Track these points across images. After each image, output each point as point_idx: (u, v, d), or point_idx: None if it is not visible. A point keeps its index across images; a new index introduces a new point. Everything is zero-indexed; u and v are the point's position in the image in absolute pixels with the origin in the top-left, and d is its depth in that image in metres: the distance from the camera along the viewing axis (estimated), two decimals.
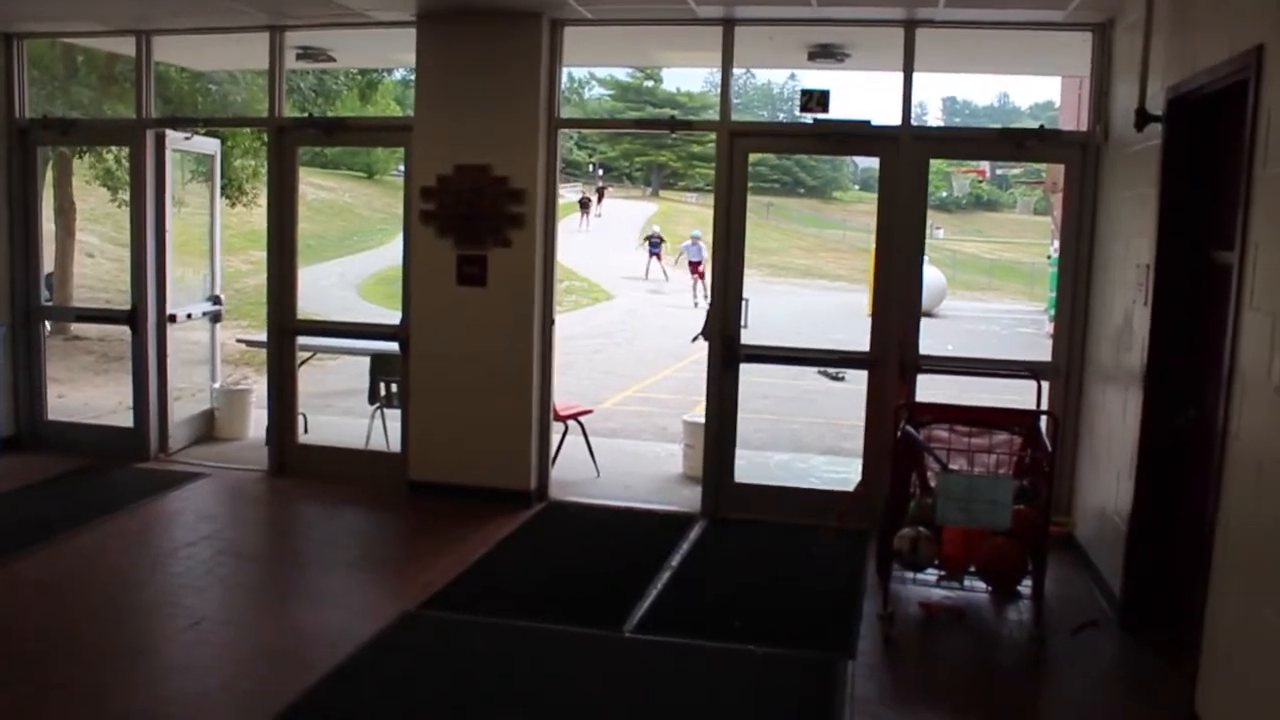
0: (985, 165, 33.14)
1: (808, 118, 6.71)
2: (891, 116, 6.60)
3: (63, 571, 5.71)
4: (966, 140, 6.89)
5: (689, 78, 55.47)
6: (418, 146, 7.05)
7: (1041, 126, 6.36)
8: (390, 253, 18.68)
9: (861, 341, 6.91)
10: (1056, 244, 6.66)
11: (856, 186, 57.06)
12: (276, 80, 7.48)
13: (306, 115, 8.49)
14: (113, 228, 19.46)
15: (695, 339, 13.72)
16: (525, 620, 5.16)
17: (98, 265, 19.67)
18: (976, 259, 39.65)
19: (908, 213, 6.67)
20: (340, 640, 4.81)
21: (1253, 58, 3.88)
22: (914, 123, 6.65)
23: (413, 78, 7.28)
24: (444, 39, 6.93)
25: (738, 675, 4.67)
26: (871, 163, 7.27)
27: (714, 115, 6.98)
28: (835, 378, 13.11)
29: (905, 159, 6.57)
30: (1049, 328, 8.17)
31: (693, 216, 37.46)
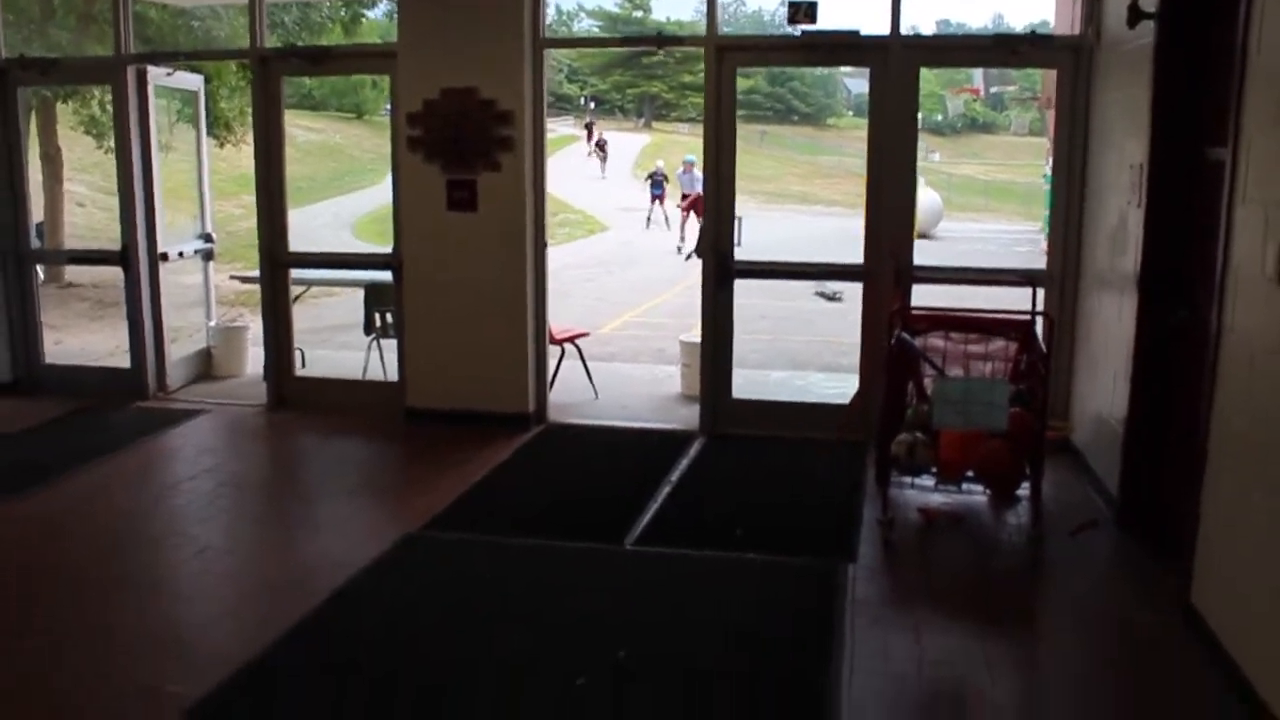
0: (979, 84, 32.78)
1: (796, 29, 6.62)
2: (881, 29, 6.52)
3: (65, 509, 5.75)
4: (958, 48, 6.77)
5: (679, 5, 54.63)
6: (403, 72, 6.96)
7: (1033, 32, 6.28)
8: (383, 192, 18.68)
9: (856, 257, 6.88)
10: (1051, 162, 6.57)
11: (850, 112, 56.47)
12: (257, 11, 7.36)
13: (290, 45, 8.32)
14: (101, 176, 19.30)
15: (689, 257, 13.68)
16: (525, 538, 5.20)
17: (89, 214, 19.57)
18: (972, 181, 39.42)
19: (899, 124, 6.61)
20: (342, 565, 4.84)
21: None
22: (904, 33, 6.56)
23: (395, 13, 7.17)
24: None
25: (739, 583, 4.72)
26: (864, 87, 7.17)
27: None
28: (832, 298, 13.11)
29: (895, 69, 6.50)
30: (1044, 245, 8.11)
31: (685, 147, 37.10)
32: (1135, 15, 4.94)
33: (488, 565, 4.91)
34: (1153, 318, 5.05)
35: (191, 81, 8.56)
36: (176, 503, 5.89)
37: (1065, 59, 6.36)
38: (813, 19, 6.55)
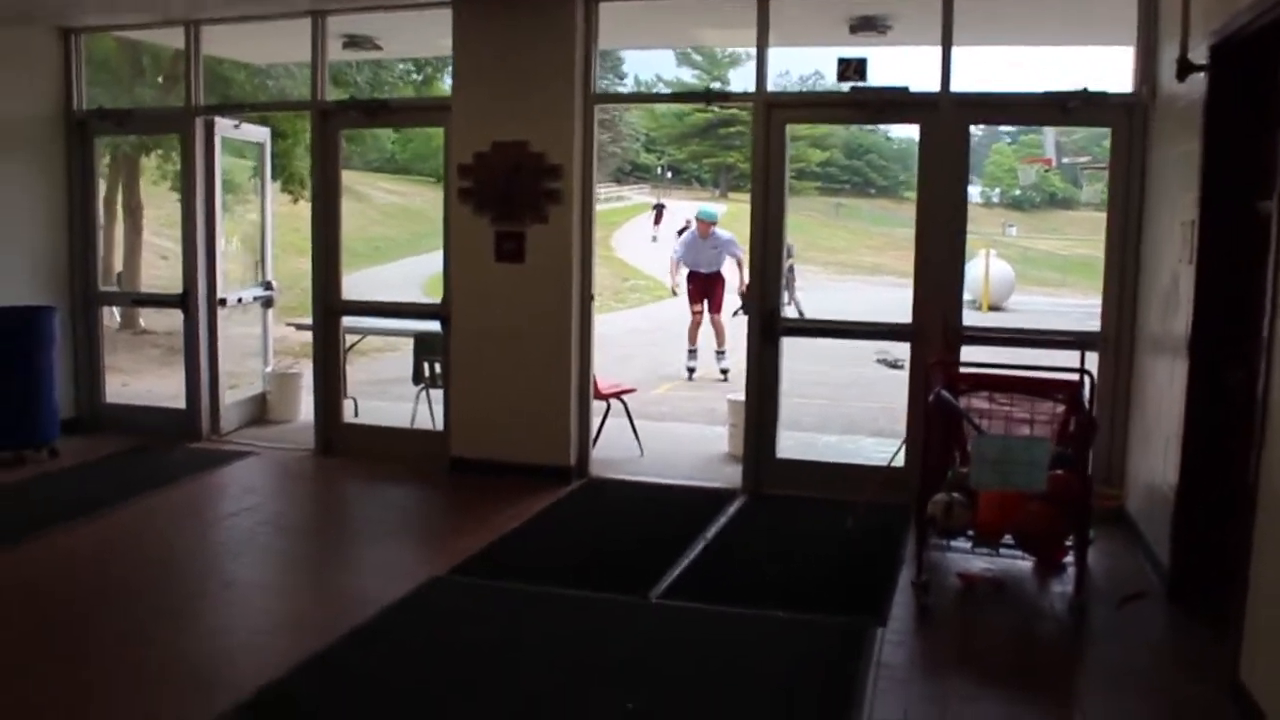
0: (1051, 153, 32.36)
1: (845, 86, 6.60)
2: (931, 86, 6.47)
3: (111, 540, 5.86)
4: (1008, 105, 6.68)
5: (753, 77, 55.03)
6: (456, 124, 7.08)
7: (1085, 89, 6.17)
8: None
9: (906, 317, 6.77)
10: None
11: None
12: (319, 65, 7.56)
13: (348, 98, 8.53)
14: None
15: (735, 313, 13.53)
16: (549, 586, 5.14)
17: (172, 266, 20.09)
18: (1050, 256, 38.83)
19: (949, 181, 6.53)
20: (366, 602, 4.83)
21: None
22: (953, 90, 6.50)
23: None
24: (480, 17, 6.94)
25: (763, 640, 4.59)
26: None
27: None
28: (894, 365, 12.91)
29: (945, 125, 6.43)
30: None
31: None
32: (1185, 68, 4.84)
33: (508, 611, 4.85)
34: (1204, 380, 4.87)
35: (258, 134, 8.80)
36: (215, 538, 5.97)
37: (1119, 117, 6.24)
38: (863, 76, 6.53)
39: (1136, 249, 6.25)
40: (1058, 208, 53.51)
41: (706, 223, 12.92)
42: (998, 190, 54.30)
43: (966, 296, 6.81)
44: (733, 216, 42.29)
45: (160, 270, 19.07)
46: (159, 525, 6.17)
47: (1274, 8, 4.01)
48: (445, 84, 17.05)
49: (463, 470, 7.20)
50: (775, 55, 6.80)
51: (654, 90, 43.29)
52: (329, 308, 7.74)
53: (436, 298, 7.69)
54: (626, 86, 7.20)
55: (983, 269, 23.84)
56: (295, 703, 3.91)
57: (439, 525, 6.50)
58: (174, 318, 13.33)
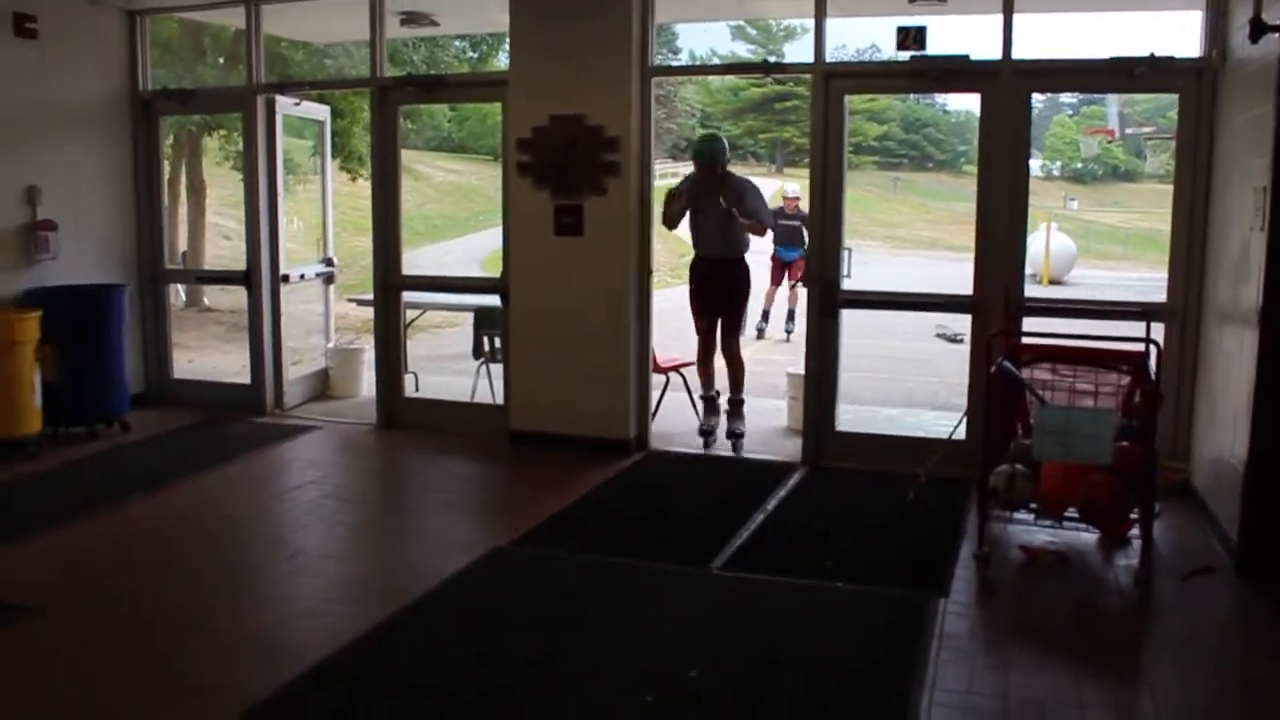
0: (1114, 124, 31.66)
1: (904, 55, 6.52)
2: (992, 53, 6.37)
3: (182, 511, 6.01)
4: (1071, 72, 6.54)
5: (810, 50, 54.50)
6: (513, 99, 7.10)
7: (1151, 55, 6.04)
8: None
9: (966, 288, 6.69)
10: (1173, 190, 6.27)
11: None
12: (377, 42, 7.61)
13: (407, 75, 8.58)
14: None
15: (793, 286, 13.37)
16: (611, 557, 5.17)
17: (234, 247, 20.45)
18: (1113, 229, 38.16)
19: (1010, 151, 6.43)
20: (429, 573, 4.89)
21: None
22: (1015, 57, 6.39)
23: None
24: None
25: (824, 611, 4.58)
26: None
27: None
28: (953, 339, 12.80)
29: (1006, 94, 6.33)
30: None
31: None
32: (1259, 29, 4.72)
33: (571, 581, 4.89)
34: (1275, 350, 4.77)
35: (318, 112, 8.89)
36: (279, 510, 6.08)
37: (1187, 82, 6.10)
38: (922, 44, 6.44)
39: (1205, 217, 6.12)
40: (1120, 180, 52.53)
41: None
42: (1058, 163, 53.37)
43: (1027, 270, 6.71)
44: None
45: (223, 249, 19.40)
46: (227, 497, 6.30)
47: None
48: (500, 62, 17.13)
49: (523, 443, 7.26)
50: (832, 27, 6.73)
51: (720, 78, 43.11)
52: (390, 283, 7.83)
53: (493, 273, 7.73)
54: (681, 61, 7.16)
55: (1043, 242, 23.46)
56: (363, 670, 3.97)
57: (501, 497, 6.57)
58: (237, 296, 13.60)
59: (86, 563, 5.14)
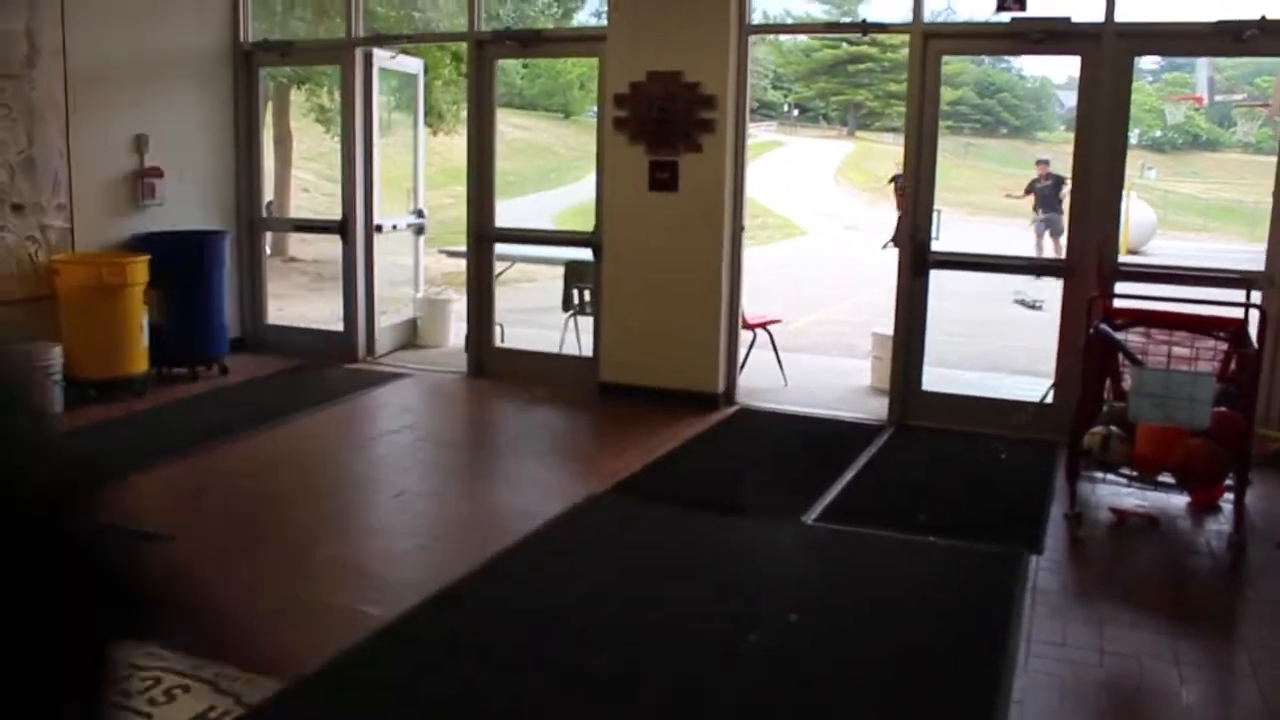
0: (1203, 91, 30.75)
1: (1005, 17, 6.48)
2: (1095, 16, 6.32)
3: (280, 449, 6.22)
4: (1176, 35, 6.47)
5: (885, 9, 53.66)
6: (611, 55, 7.18)
7: (1263, 17, 5.95)
8: (585, 188, 19.29)
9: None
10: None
11: (1062, 127, 54.33)
12: None
13: (506, 28, 8.68)
14: (325, 165, 20.49)
15: (885, 246, 13.36)
16: (707, 507, 5.29)
17: (312, 199, 20.79)
18: (1193, 199, 37.26)
19: (1109, 115, 6.39)
20: (530, 515, 5.05)
21: None
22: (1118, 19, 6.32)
23: (604, 11, 7.40)
24: None
25: (917, 563, 4.67)
26: (1076, 100, 6.93)
27: None
28: (1032, 305, 12.71)
29: (1108, 56, 6.28)
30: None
31: (889, 157, 36.66)
32: None
33: (668, 529, 5.03)
34: None
35: (412, 65, 9.04)
36: (378, 452, 6.28)
37: None
38: (1022, 6, 6.40)
39: None
40: (1200, 149, 51.15)
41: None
42: (1137, 130, 52.12)
43: None
44: (859, 155, 41.60)
45: (301, 201, 19.74)
46: (328, 437, 6.54)
47: None
48: (582, 18, 17.13)
49: (611, 394, 7.39)
50: None
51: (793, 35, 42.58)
52: (482, 234, 7.98)
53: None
54: (755, 21, 7.18)
55: (1124, 211, 23.02)
56: (477, 601, 4.15)
57: (592, 446, 6.72)
58: (319, 247, 13.91)
59: (205, 494, 5.38)
